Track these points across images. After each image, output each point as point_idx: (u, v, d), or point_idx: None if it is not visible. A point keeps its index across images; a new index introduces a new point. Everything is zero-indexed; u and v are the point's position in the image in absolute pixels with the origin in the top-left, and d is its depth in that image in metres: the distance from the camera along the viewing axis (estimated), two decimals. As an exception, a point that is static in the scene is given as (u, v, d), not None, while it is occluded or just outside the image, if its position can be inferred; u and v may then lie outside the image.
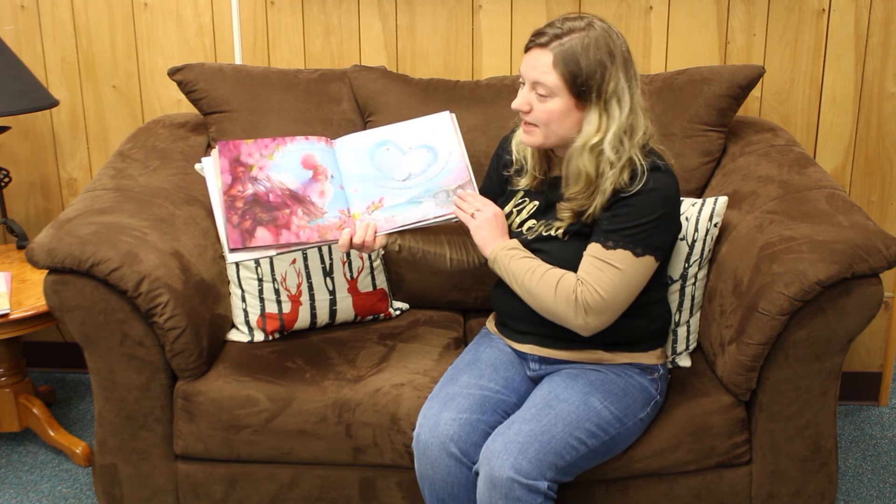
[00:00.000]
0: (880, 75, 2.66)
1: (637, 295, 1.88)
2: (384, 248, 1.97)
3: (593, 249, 1.85)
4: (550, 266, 1.88)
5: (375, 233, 1.95)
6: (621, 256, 1.83)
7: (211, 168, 1.98)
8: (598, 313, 1.84)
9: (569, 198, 1.89)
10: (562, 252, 1.91)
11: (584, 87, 1.80)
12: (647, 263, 1.86)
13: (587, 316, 1.84)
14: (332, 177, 2.01)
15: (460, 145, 2.03)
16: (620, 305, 1.86)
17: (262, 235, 1.91)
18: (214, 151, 1.98)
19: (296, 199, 1.96)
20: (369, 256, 2.32)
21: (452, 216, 1.97)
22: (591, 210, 1.86)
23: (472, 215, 1.94)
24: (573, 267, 1.88)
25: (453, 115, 2.06)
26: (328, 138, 2.06)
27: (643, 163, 1.83)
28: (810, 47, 2.65)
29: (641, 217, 1.83)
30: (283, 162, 1.99)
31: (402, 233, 1.99)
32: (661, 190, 1.84)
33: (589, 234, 1.88)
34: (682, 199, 2.18)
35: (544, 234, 1.93)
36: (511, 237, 1.97)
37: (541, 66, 1.82)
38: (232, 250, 1.89)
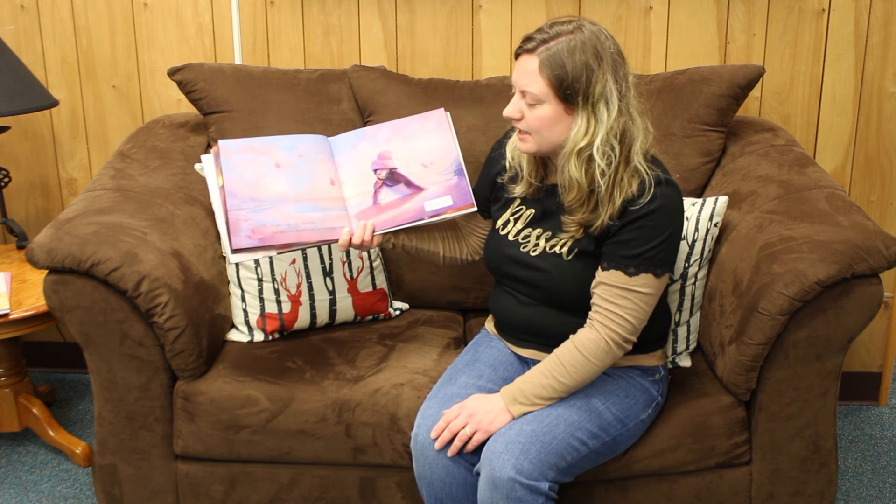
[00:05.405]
0: (880, 75, 2.66)
1: None
2: (380, 245, 1.98)
3: (615, 278, 1.82)
4: (556, 355, 1.85)
5: (374, 232, 1.95)
6: (644, 281, 1.82)
7: (211, 167, 1.98)
8: (628, 340, 1.84)
9: (569, 207, 1.86)
10: (562, 272, 1.89)
11: (569, 90, 1.76)
12: (665, 280, 1.87)
13: (620, 350, 1.84)
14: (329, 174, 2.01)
15: (454, 142, 2.03)
16: (644, 323, 1.86)
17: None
18: (213, 150, 1.98)
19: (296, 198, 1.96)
20: (369, 255, 2.32)
21: (447, 214, 1.97)
22: (598, 223, 1.83)
23: (466, 427, 1.83)
24: (573, 287, 1.88)
25: (447, 113, 2.06)
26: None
27: (649, 174, 1.81)
28: (810, 47, 2.65)
29: (655, 238, 1.81)
30: None
31: (396, 232, 2.00)
32: (668, 206, 1.82)
33: (594, 253, 1.87)
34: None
35: (549, 251, 1.92)
36: (508, 246, 1.96)
37: (528, 73, 1.78)
38: (234, 251, 1.90)
